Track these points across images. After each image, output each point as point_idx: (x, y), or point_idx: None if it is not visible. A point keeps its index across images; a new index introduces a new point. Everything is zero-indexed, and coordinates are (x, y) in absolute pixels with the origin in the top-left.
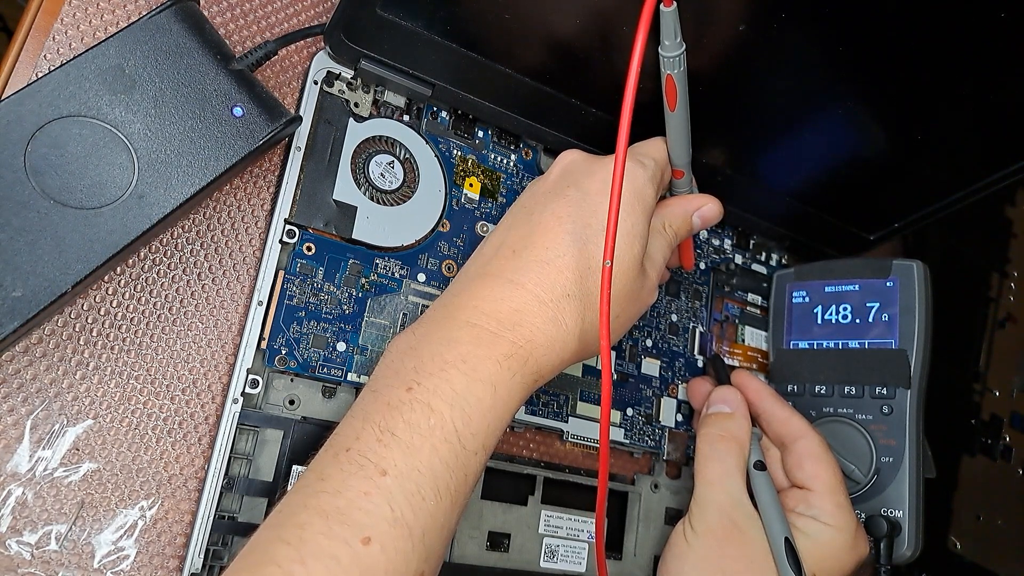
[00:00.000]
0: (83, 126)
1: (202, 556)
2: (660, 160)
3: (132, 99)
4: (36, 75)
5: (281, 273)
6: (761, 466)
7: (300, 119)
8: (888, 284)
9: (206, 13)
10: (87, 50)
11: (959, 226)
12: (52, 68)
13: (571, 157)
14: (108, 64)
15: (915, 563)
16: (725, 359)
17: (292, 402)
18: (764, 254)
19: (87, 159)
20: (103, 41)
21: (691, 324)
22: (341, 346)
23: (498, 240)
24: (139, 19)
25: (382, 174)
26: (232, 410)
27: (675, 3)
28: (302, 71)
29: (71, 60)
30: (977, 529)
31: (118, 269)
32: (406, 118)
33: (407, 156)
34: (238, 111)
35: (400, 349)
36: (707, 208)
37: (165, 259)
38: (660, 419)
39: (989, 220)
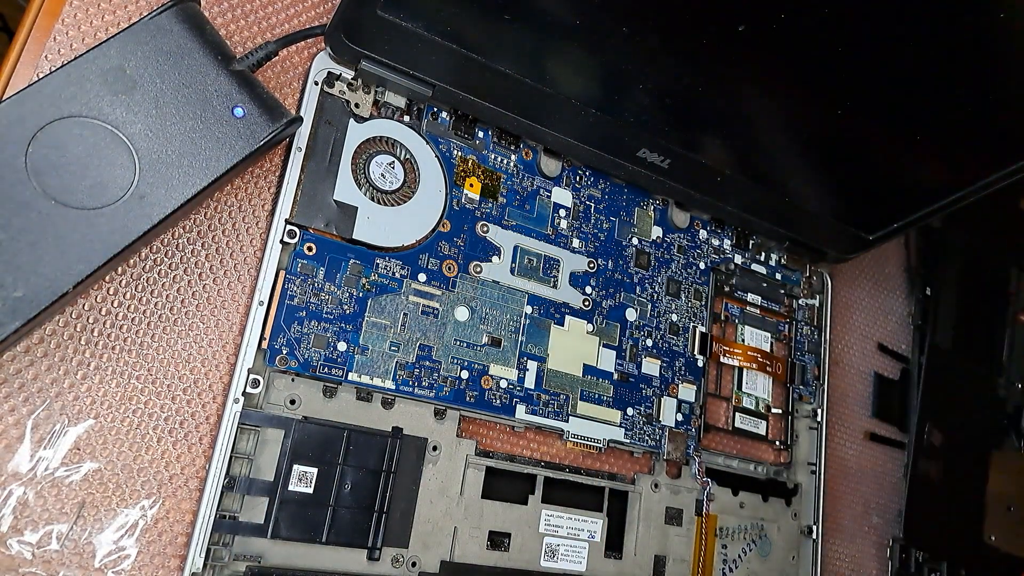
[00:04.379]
0: (84, 127)
1: (203, 556)
2: None
3: (133, 100)
4: (37, 75)
5: (282, 273)
6: None
7: (301, 120)
8: None
9: (207, 14)
10: (88, 51)
11: (979, 223)
12: (53, 69)
13: None
14: (109, 65)
15: (954, 556)
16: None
17: (293, 402)
18: (764, 254)
19: (88, 160)
20: (104, 42)
21: (691, 324)
22: (342, 346)
23: None
24: (140, 20)
25: (382, 174)
26: (233, 410)
27: None
28: (303, 72)
29: (72, 61)
30: (1008, 520)
31: (119, 269)
32: (406, 119)
33: (407, 156)
34: (239, 112)
35: None
36: None
37: (166, 259)
38: (660, 419)
39: (1008, 216)
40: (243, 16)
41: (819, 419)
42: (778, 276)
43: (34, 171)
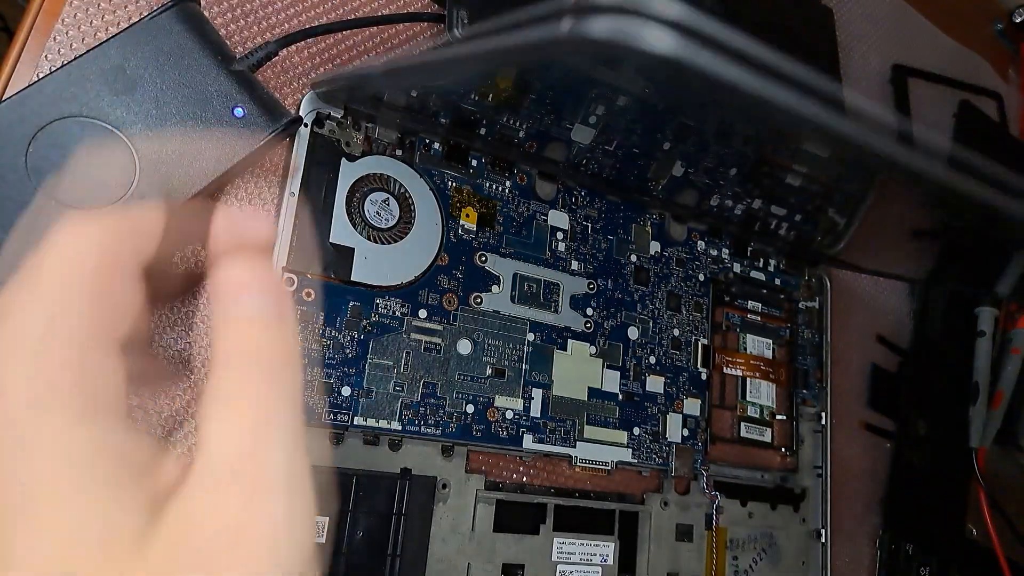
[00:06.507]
0: (84, 126)
1: None
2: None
3: (133, 99)
4: (37, 75)
5: None
6: None
7: (301, 120)
8: None
9: (207, 14)
10: (88, 50)
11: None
12: (53, 68)
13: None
14: (109, 64)
15: (934, 550)
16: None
17: None
18: (762, 260)
19: (88, 159)
20: (104, 42)
21: (693, 337)
22: (346, 390)
23: None
24: (140, 20)
25: (378, 212)
26: None
27: None
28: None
29: (72, 60)
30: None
31: None
32: (399, 152)
33: (402, 191)
34: (239, 112)
35: None
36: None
37: None
38: (667, 436)
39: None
40: (243, 16)
41: (823, 421)
42: (777, 281)
43: (34, 171)
